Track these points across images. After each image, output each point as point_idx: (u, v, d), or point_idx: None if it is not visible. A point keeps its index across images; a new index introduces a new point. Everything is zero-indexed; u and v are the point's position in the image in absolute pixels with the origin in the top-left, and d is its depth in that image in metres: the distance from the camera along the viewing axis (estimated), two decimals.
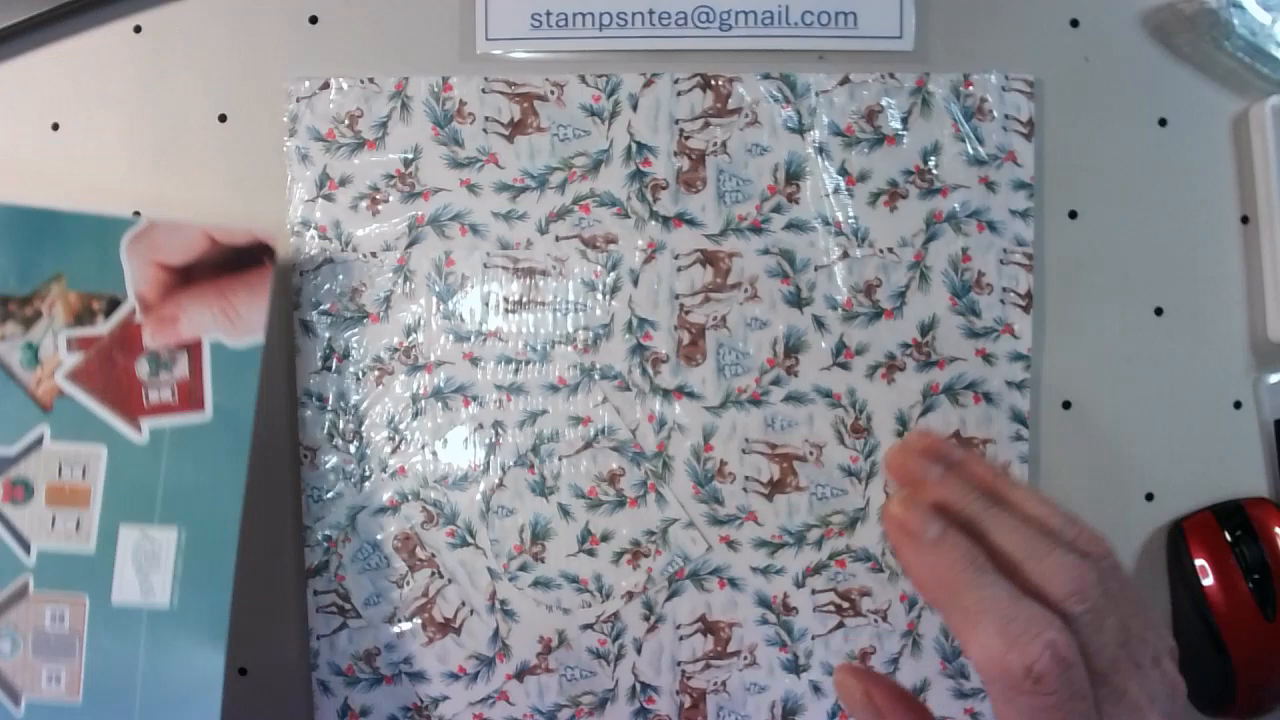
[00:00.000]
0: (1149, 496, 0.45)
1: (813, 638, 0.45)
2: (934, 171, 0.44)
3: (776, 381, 0.44)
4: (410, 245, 0.44)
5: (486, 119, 0.44)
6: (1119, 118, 0.44)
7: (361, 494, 0.44)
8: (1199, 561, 0.43)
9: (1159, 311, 0.45)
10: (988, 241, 0.44)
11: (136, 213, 0.45)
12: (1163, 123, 0.44)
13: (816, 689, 0.45)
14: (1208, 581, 0.43)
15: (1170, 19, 0.44)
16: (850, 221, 0.44)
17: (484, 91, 0.44)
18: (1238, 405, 0.45)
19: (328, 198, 0.44)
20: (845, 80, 0.44)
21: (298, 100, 0.44)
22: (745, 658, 0.45)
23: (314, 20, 0.45)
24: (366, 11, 0.44)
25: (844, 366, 0.44)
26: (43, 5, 0.44)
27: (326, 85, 0.44)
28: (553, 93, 0.44)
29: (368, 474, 0.44)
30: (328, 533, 0.44)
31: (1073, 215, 0.44)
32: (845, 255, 0.44)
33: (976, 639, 0.27)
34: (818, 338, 0.44)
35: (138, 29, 0.45)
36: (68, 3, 0.44)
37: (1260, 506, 0.44)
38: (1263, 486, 0.45)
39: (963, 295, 0.44)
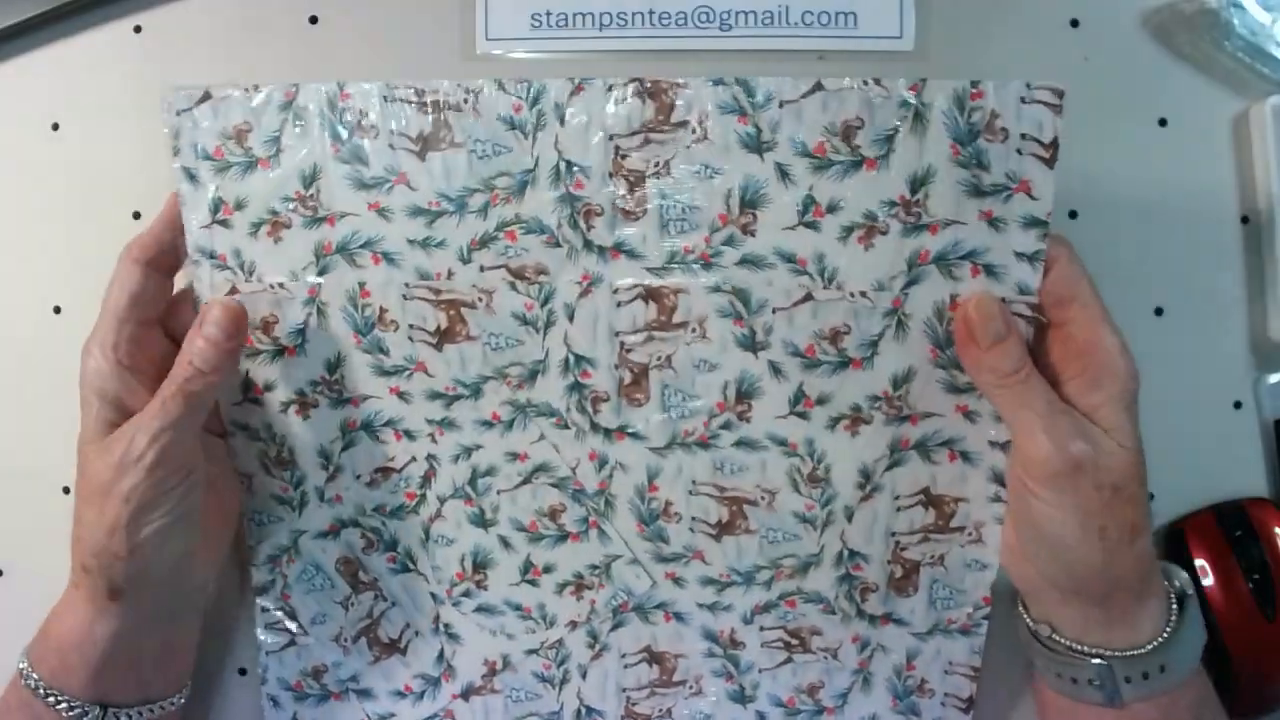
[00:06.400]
0: (1149, 496, 0.45)
1: (759, 671, 0.43)
2: (923, 203, 0.38)
3: (727, 426, 0.40)
4: (320, 274, 0.40)
5: (392, 133, 0.38)
6: (1119, 118, 0.44)
7: (301, 519, 0.43)
8: (1199, 561, 0.43)
9: (1159, 311, 0.45)
10: (982, 288, 0.38)
11: (136, 214, 0.45)
12: (1163, 123, 0.44)
13: (762, 719, 0.44)
14: (1208, 581, 0.43)
15: (1170, 19, 0.44)
16: (816, 260, 0.39)
17: (386, 100, 0.38)
18: (1238, 405, 0.45)
19: (223, 223, 0.39)
20: (816, 88, 0.37)
21: (178, 114, 0.39)
22: (691, 687, 0.44)
23: (314, 20, 0.45)
24: (366, 11, 0.44)
25: (802, 416, 0.40)
26: (43, 5, 0.44)
27: (207, 96, 0.39)
28: (466, 100, 0.38)
29: (306, 500, 0.43)
30: (272, 553, 0.43)
31: (1073, 215, 0.44)
32: (809, 298, 0.39)
33: (1030, 440, 0.36)
34: (774, 384, 0.40)
35: (138, 29, 0.45)
36: (68, 3, 0.44)
37: (1260, 506, 0.44)
38: (1263, 486, 0.45)
39: (946, 348, 0.39)
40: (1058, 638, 0.38)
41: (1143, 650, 0.37)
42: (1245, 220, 0.45)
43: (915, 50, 0.44)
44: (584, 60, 0.44)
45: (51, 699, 0.37)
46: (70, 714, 0.37)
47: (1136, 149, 0.44)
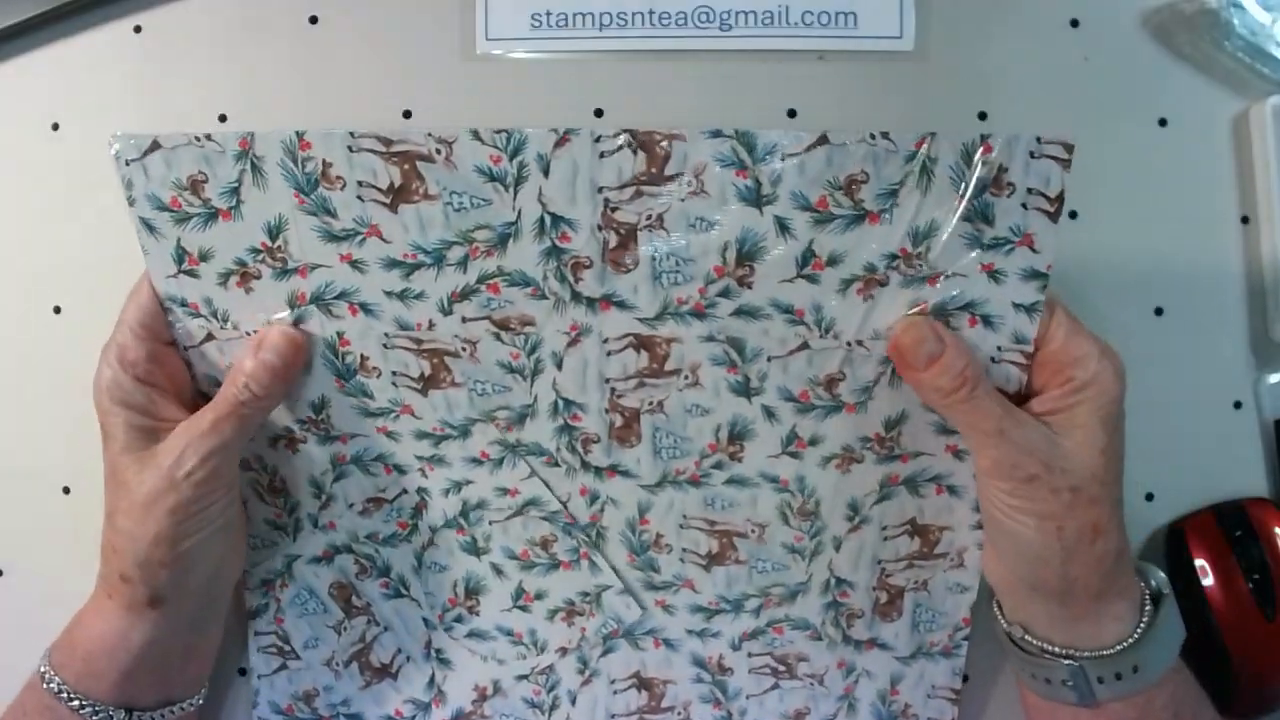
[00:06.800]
0: (1149, 496, 0.45)
1: (747, 697, 0.44)
2: (924, 256, 0.36)
3: (719, 465, 0.40)
4: (296, 324, 0.39)
5: (360, 184, 0.37)
6: (1119, 118, 0.44)
7: (295, 544, 0.43)
8: (1199, 561, 0.43)
9: (1159, 311, 0.45)
10: (979, 337, 0.37)
11: None
12: (1163, 123, 0.44)
13: None
14: (1208, 581, 0.43)
15: (1170, 19, 0.44)
16: (814, 310, 0.38)
17: (351, 150, 0.36)
18: (1238, 405, 0.45)
19: (190, 273, 0.38)
20: (821, 141, 0.35)
21: (127, 164, 0.37)
22: (679, 713, 0.44)
23: (314, 20, 0.45)
24: (366, 11, 0.44)
25: (794, 455, 0.40)
26: (43, 5, 0.44)
27: (156, 146, 0.37)
28: (439, 151, 0.36)
29: (300, 526, 0.42)
30: (266, 577, 0.43)
31: (1073, 215, 0.44)
32: (804, 346, 0.38)
33: (984, 455, 0.36)
34: (767, 426, 0.40)
35: (138, 29, 0.45)
36: (68, 3, 0.44)
37: (1260, 506, 0.44)
38: (1263, 486, 0.45)
39: None
40: (1030, 638, 0.38)
41: (1111, 651, 0.36)
42: (1245, 220, 0.45)
43: (915, 50, 0.44)
44: (584, 60, 0.44)
45: (76, 703, 0.37)
46: (95, 718, 0.37)
47: (1136, 149, 0.44)
